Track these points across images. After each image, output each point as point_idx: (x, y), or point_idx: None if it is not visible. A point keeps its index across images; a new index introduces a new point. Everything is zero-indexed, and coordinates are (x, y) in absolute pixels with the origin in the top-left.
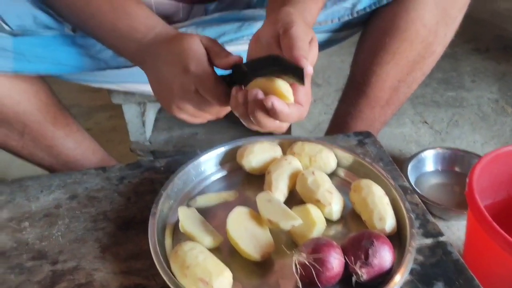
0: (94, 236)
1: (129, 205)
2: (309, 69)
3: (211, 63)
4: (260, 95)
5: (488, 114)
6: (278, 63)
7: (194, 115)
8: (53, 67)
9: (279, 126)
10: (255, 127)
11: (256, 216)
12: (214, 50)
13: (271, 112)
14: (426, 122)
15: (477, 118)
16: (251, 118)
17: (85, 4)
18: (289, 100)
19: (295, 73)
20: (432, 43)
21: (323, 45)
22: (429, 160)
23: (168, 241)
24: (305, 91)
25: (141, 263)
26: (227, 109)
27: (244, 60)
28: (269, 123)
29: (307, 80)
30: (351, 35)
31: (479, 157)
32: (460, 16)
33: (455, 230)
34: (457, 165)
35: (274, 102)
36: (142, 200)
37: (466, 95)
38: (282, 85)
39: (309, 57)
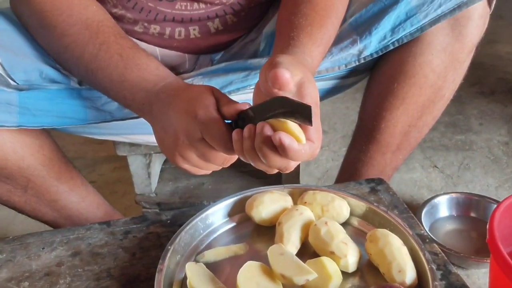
0: None
1: (134, 262)
2: (285, 76)
3: (220, 112)
4: (267, 130)
5: (499, 157)
6: (285, 103)
7: (198, 165)
8: (58, 121)
9: (286, 163)
10: (263, 166)
11: (268, 270)
12: (223, 100)
13: (279, 149)
14: (436, 167)
15: (488, 161)
16: (259, 155)
17: (93, 57)
18: (301, 141)
19: (303, 112)
20: (441, 88)
21: (330, 92)
22: (443, 206)
23: None
24: (316, 127)
25: None
26: (233, 158)
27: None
28: (278, 161)
29: (316, 118)
30: (358, 81)
31: (495, 201)
32: (468, 60)
33: (475, 279)
34: (473, 210)
35: (282, 137)
36: (148, 255)
37: (475, 138)
38: (293, 125)
39: (308, 97)
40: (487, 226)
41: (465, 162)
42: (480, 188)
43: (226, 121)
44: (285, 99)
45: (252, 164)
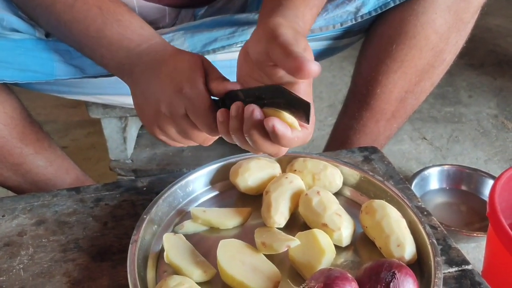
0: (62, 269)
1: (106, 232)
2: (314, 68)
3: (207, 87)
4: (258, 112)
5: (488, 130)
6: (282, 94)
7: (176, 139)
8: (20, 74)
9: (277, 150)
10: (250, 148)
11: (248, 246)
12: (212, 74)
13: (271, 136)
14: (425, 139)
15: (477, 134)
16: (246, 138)
17: (68, 8)
18: (295, 127)
19: (301, 108)
20: (442, 51)
21: (322, 54)
22: (434, 178)
23: (150, 275)
24: (311, 111)
25: None
26: (214, 138)
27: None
28: (268, 147)
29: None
30: (352, 43)
31: (487, 175)
32: (473, 21)
33: (464, 254)
34: (464, 183)
35: (276, 125)
36: (121, 225)
37: (464, 111)
38: (287, 115)
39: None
40: (488, 199)
41: (454, 134)
42: (469, 161)
43: (212, 97)
44: (283, 89)
45: (237, 144)
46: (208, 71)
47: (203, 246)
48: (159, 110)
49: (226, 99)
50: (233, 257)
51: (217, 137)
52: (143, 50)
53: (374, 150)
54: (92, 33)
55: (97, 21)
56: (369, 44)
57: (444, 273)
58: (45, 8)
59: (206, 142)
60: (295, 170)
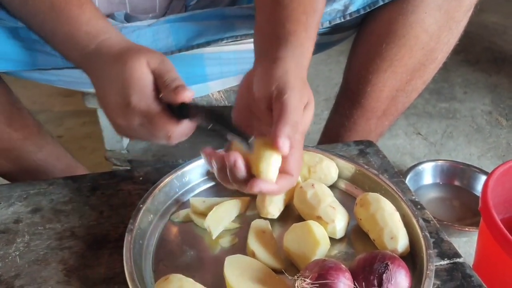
0: (58, 256)
1: (102, 220)
2: (284, 150)
3: (158, 92)
4: (241, 171)
5: (482, 126)
6: (226, 126)
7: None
8: (1, 63)
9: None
10: None
11: (253, 261)
12: (162, 78)
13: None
14: (419, 134)
15: (471, 130)
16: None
17: (24, 1)
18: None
19: (242, 140)
20: (434, 50)
21: (314, 49)
22: (428, 173)
23: (146, 263)
24: (297, 158)
25: None
26: (179, 138)
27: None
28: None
29: (300, 147)
30: (344, 38)
31: (480, 171)
32: (465, 19)
33: (456, 248)
34: (457, 179)
35: (262, 189)
36: (117, 214)
37: (459, 107)
38: (269, 158)
39: (300, 125)
40: (480, 194)
41: (449, 130)
42: (463, 157)
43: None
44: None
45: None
46: (158, 75)
47: (198, 234)
48: (116, 121)
49: (178, 107)
50: (241, 275)
51: (182, 137)
52: (92, 51)
53: (369, 144)
54: (47, 30)
55: (49, 17)
56: (360, 42)
57: (436, 265)
58: (7, 3)
59: (171, 141)
60: None
